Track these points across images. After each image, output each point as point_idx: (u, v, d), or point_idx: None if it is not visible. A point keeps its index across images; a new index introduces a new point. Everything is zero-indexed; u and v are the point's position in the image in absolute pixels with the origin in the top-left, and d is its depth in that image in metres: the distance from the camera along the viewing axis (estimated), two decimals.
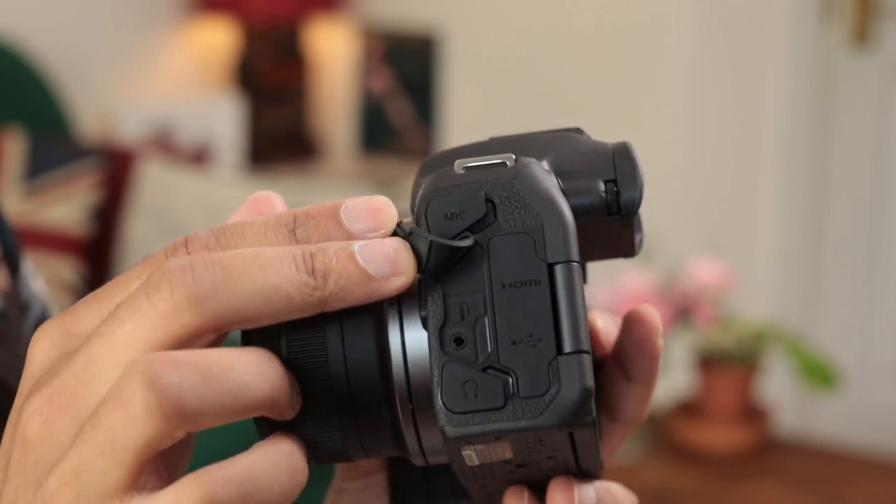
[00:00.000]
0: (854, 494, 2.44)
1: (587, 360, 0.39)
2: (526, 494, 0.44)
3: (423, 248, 0.40)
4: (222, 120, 3.02)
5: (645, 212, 0.46)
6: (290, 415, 0.40)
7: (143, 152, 2.70)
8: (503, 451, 0.41)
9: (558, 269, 0.40)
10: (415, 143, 3.25)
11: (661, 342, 0.47)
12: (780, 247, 2.86)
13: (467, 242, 0.40)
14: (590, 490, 0.44)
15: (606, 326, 0.48)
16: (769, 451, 2.55)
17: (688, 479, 2.45)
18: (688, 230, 2.80)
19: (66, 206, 2.50)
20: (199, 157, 2.97)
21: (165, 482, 0.38)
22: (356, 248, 0.39)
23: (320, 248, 0.39)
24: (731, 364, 2.51)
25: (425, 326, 0.40)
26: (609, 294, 2.38)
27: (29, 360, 0.40)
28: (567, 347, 0.39)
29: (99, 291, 0.40)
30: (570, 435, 0.40)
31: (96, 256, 2.57)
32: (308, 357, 0.41)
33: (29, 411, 0.38)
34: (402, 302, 0.41)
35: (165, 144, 2.91)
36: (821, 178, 2.87)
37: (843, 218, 2.87)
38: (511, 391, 0.39)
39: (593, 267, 0.48)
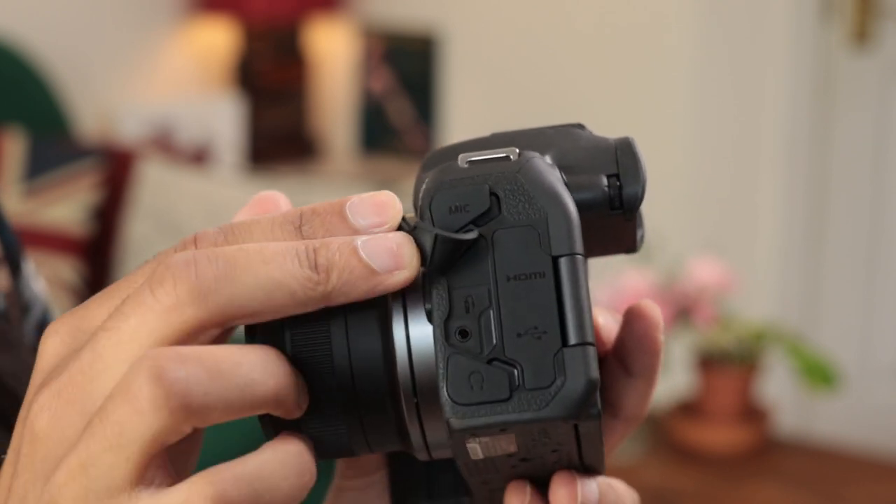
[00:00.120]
0: (854, 494, 2.44)
1: (592, 351, 0.39)
2: (528, 489, 0.44)
3: (428, 242, 0.40)
4: (222, 120, 3.02)
5: (645, 211, 0.46)
6: (296, 414, 0.40)
7: (143, 152, 2.70)
8: (508, 445, 0.41)
9: (563, 262, 0.40)
10: (415, 143, 3.25)
11: (661, 337, 0.47)
12: (780, 247, 2.86)
13: (472, 235, 0.40)
14: (592, 485, 0.44)
15: (607, 323, 0.48)
16: (769, 451, 2.55)
17: (688, 479, 2.45)
18: (688, 230, 2.80)
19: (66, 206, 2.50)
20: (199, 157, 2.97)
21: (173, 479, 0.38)
22: (359, 242, 0.40)
23: (324, 242, 0.39)
24: (731, 364, 2.51)
25: (430, 320, 0.41)
26: (609, 293, 2.38)
27: (40, 355, 0.40)
28: (572, 339, 0.39)
29: (109, 288, 0.41)
30: (575, 427, 0.41)
31: (96, 256, 2.57)
32: (312, 352, 0.41)
33: (38, 406, 0.38)
34: (406, 296, 0.41)
35: (165, 144, 2.91)
36: (821, 178, 2.87)
37: (843, 218, 2.87)
38: (516, 383, 0.39)
39: (593, 266, 0.48)
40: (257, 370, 0.38)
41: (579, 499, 0.43)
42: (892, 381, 2.88)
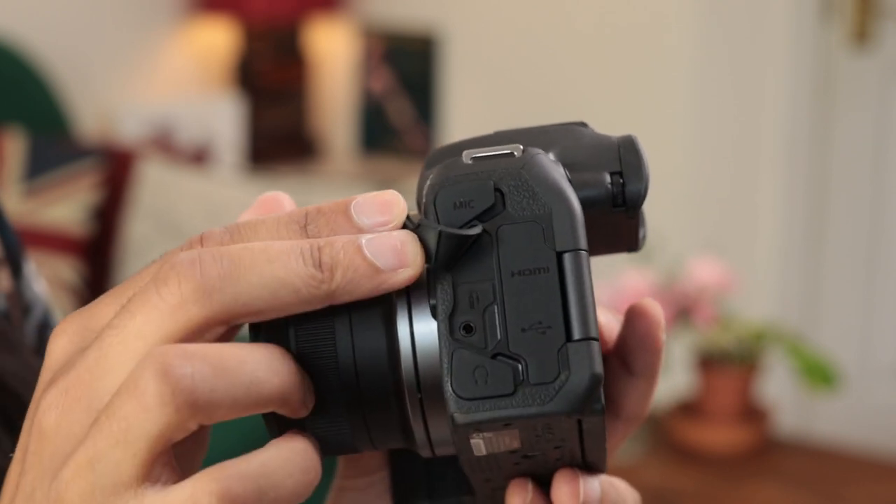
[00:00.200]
0: (854, 494, 2.44)
1: (596, 346, 0.39)
2: (530, 486, 0.44)
3: (432, 239, 0.40)
4: (222, 120, 3.02)
5: (645, 211, 0.46)
6: (302, 413, 0.40)
7: (143, 152, 2.70)
8: (511, 441, 0.41)
9: (567, 258, 0.40)
10: (415, 143, 3.25)
11: (663, 336, 0.47)
12: (780, 247, 2.86)
13: (476, 231, 0.40)
14: (594, 483, 0.44)
15: (608, 322, 0.48)
16: (769, 451, 2.55)
17: (688, 479, 2.45)
18: (688, 230, 2.80)
19: (66, 206, 2.50)
20: (199, 157, 2.97)
21: (179, 476, 0.38)
22: (363, 241, 0.40)
23: (328, 241, 0.40)
24: (731, 364, 2.51)
25: (434, 315, 0.41)
26: (609, 293, 2.38)
27: (48, 354, 0.40)
28: (576, 334, 0.39)
29: (117, 287, 0.41)
30: (579, 423, 0.41)
31: (96, 256, 2.57)
32: (317, 349, 0.41)
33: (45, 403, 0.39)
34: (410, 294, 0.41)
35: (165, 144, 2.91)
36: (821, 178, 2.87)
37: (843, 218, 2.87)
38: (521, 378, 0.39)
39: (594, 265, 0.48)
40: (263, 368, 0.38)
41: (581, 496, 0.43)
42: (892, 381, 2.88)
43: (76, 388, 0.38)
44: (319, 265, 0.39)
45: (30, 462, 0.39)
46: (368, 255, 0.40)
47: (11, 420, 0.54)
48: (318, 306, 0.40)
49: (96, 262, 2.57)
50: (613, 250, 0.47)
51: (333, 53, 3.35)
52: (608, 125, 0.51)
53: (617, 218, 0.44)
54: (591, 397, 0.39)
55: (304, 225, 0.41)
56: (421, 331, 0.41)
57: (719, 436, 2.52)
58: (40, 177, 2.49)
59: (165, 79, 3.10)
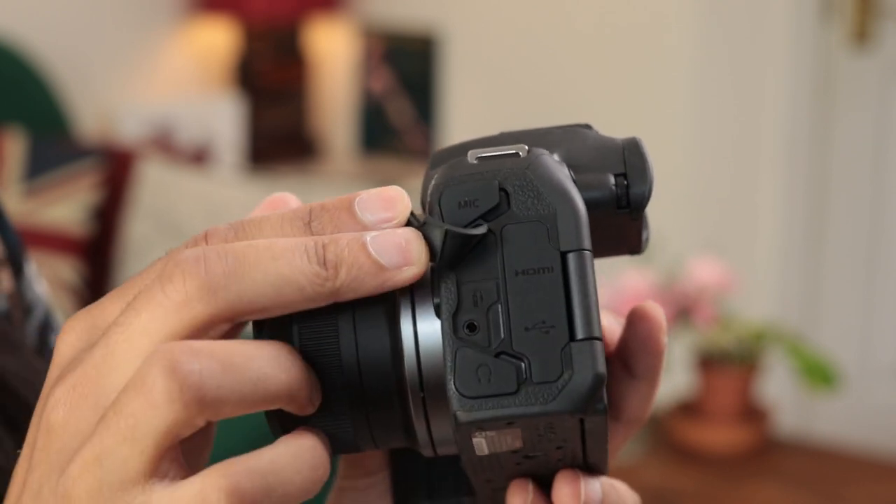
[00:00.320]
0: (854, 494, 2.44)
1: (599, 346, 0.39)
2: (531, 487, 0.44)
3: (437, 238, 0.40)
4: (222, 120, 3.02)
5: (647, 212, 0.46)
6: (309, 410, 0.41)
7: (143, 152, 2.70)
8: (513, 440, 0.41)
9: (571, 258, 0.40)
10: (415, 143, 3.25)
11: (665, 339, 0.47)
12: (780, 247, 2.86)
13: (481, 230, 0.40)
14: (595, 485, 0.44)
15: (610, 325, 0.48)
16: (769, 451, 2.55)
17: (688, 479, 2.45)
18: (688, 230, 2.80)
19: (66, 206, 2.50)
20: (199, 157, 2.97)
21: (186, 472, 0.38)
22: (368, 238, 0.40)
23: (332, 238, 0.40)
24: (731, 364, 2.51)
25: (438, 314, 0.41)
26: (609, 294, 2.38)
27: (56, 351, 0.41)
28: (579, 334, 0.39)
29: (124, 284, 0.41)
30: (581, 423, 0.41)
31: (96, 256, 2.57)
32: (320, 346, 0.41)
33: (53, 400, 0.39)
34: (414, 292, 0.41)
35: (165, 144, 2.91)
36: (821, 178, 2.87)
37: (843, 218, 2.87)
38: (524, 376, 0.39)
39: (596, 266, 0.48)
40: (270, 365, 0.39)
41: (583, 497, 0.43)
42: (892, 381, 2.88)
43: (83, 385, 0.38)
44: (324, 262, 0.39)
45: (37, 458, 0.39)
46: (373, 252, 0.40)
47: (13, 420, 0.54)
48: (322, 303, 0.40)
49: (96, 262, 2.57)
50: (617, 252, 0.47)
51: (333, 53, 3.35)
52: (608, 125, 0.51)
53: (620, 220, 0.44)
54: (594, 397, 0.39)
55: (309, 222, 0.41)
56: (424, 329, 0.41)
57: (719, 436, 2.52)
58: (40, 177, 2.49)
59: (165, 79, 3.10)
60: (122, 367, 0.38)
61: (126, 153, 2.65)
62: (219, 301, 0.38)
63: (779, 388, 2.74)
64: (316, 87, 3.32)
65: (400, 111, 3.27)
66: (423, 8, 3.18)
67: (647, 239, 0.47)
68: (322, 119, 3.38)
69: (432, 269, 0.41)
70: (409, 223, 0.41)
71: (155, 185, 2.58)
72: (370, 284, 0.40)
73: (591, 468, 0.44)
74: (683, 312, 2.47)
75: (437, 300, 0.41)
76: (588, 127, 0.46)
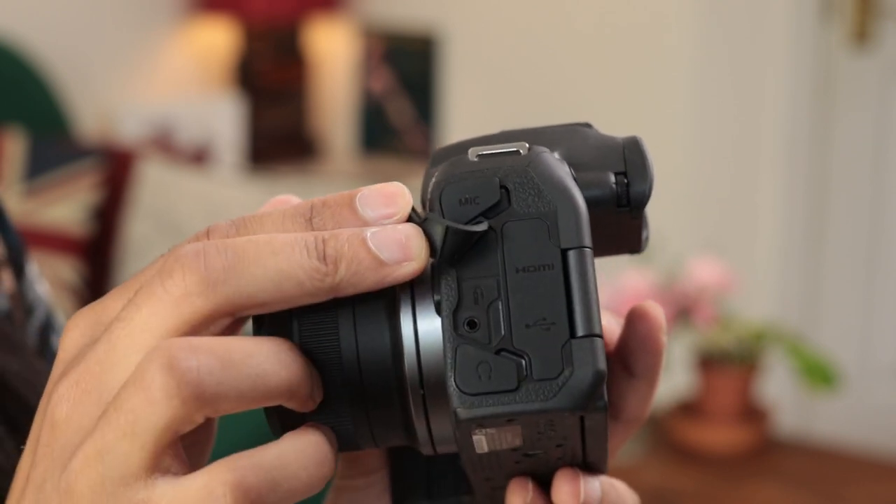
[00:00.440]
0: (854, 494, 2.44)
1: (600, 343, 0.39)
2: (530, 485, 0.44)
3: (438, 234, 0.40)
4: (222, 120, 3.02)
5: (647, 211, 0.46)
6: (309, 406, 0.41)
7: (143, 152, 2.70)
8: (513, 438, 0.41)
9: (571, 255, 0.40)
10: (415, 143, 3.25)
11: (664, 338, 0.47)
12: (780, 247, 2.86)
13: (482, 227, 0.40)
14: (595, 483, 0.44)
15: (609, 324, 0.48)
16: (769, 451, 2.55)
17: (688, 479, 2.45)
18: (688, 230, 2.80)
19: (66, 206, 2.50)
20: (199, 157, 2.97)
21: (188, 467, 0.38)
22: (368, 234, 0.40)
23: (333, 234, 0.40)
24: (731, 364, 2.51)
25: (438, 311, 0.41)
26: (609, 294, 2.38)
27: (61, 347, 0.41)
28: (580, 331, 0.39)
29: (127, 281, 0.41)
30: (581, 420, 0.41)
31: (96, 256, 2.57)
32: (320, 343, 0.41)
33: (57, 395, 0.39)
34: (414, 288, 0.41)
35: (165, 144, 2.91)
36: (821, 178, 2.87)
37: (843, 218, 2.87)
38: (524, 373, 0.39)
39: (596, 266, 0.48)
40: (269, 361, 0.39)
41: (582, 496, 0.43)
42: (892, 381, 2.88)
43: (86, 381, 0.39)
44: (324, 258, 0.39)
45: (41, 454, 0.39)
46: (373, 248, 0.40)
47: (13, 420, 0.54)
48: (322, 299, 0.40)
49: (96, 262, 2.57)
50: (617, 251, 0.47)
51: (333, 53, 3.35)
52: (608, 125, 0.51)
53: (621, 218, 0.44)
54: (595, 394, 0.39)
55: (310, 218, 0.41)
56: (424, 326, 0.41)
57: (719, 436, 2.52)
58: (40, 177, 2.49)
59: (165, 79, 3.10)
60: (124, 362, 0.38)
61: (126, 153, 2.65)
62: (218, 296, 0.38)
63: (779, 388, 2.74)
64: (316, 87, 3.32)
65: (400, 111, 3.27)
66: (423, 8, 3.18)
67: (646, 238, 0.47)
68: (322, 119, 3.38)
69: (432, 266, 0.41)
70: (410, 219, 0.41)
71: (155, 185, 2.58)
72: (370, 280, 0.40)
73: (591, 467, 0.44)
74: (683, 312, 2.47)
75: (437, 297, 0.41)
76: (588, 125, 0.46)
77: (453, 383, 0.39)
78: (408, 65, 3.23)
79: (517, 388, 0.39)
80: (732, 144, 2.85)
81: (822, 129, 2.85)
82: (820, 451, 2.60)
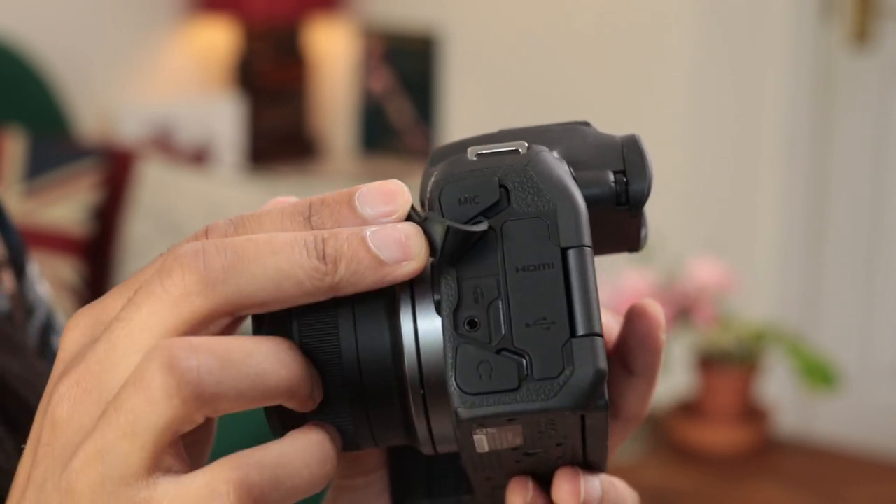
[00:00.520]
0: (854, 494, 2.44)
1: (600, 342, 0.39)
2: (531, 484, 0.44)
3: (438, 233, 0.40)
4: (222, 120, 3.02)
5: (646, 211, 0.46)
6: (310, 406, 0.41)
7: (143, 152, 2.70)
8: (514, 437, 0.41)
9: (571, 254, 0.40)
10: (415, 143, 3.25)
11: (663, 336, 0.47)
12: (780, 247, 2.86)
13: (482, 227, 0.40)
14: (595, 482, 0.44)
15: (608, 323, 0.48)
16: (769, 451, 2.55)
17: (688, 479, 2.45)
18: (688, 230, 2.80)
19: (66, 206, 2.50)
20: (199, 157, 2.97)
21: (189, 466, 0.38)
22: (368, 233, 0.40)
23: (332, 233, 0.40)
24: (731, 364, 2.51)
25: (439, 311, 0.41)
26: (609, 293, 2.38)
27: (61, 347, 0.41)
28: (580, 330, 0.39)
29: (127, 280, 0.41)
30: (582, 419, 0.41)
31: (96, 256, 2.57)
32: (320, 342, 0.41)
33: (58, 395, 0.39)
34: (414, 288, 0.41)
35: (165, 144, 2.91)
36: (821, 178, 2.87)
37: (843, 218, 2.87)
38: (525, 373, 0.39)
39: (596, 265, 0.48)
40: (269, 360, 0.39)
41: (582, 495, 0.43)
42: (892, 381, 2.88)
43: (86, 380, 0.39)
44: (323, 257, 0.39)
45: (42, 453, 0.39)
46: (372, 247, 0.40)
47: (13, 421, 0.54)
48: (322, 298, 0.40)
49: (96, 262, 2.57)
50: (615, 250, 0.47)
51: (333, 53, 3.35)
52: (608, 125, 0.51)
53: (620, 217, 0.44)
54: (595, 393, 0.39)
55: (309, 216, 0.41)
56: (424, 325, 0.41)
57: (719, 436, 2.52)
58: (40, 177, 2.49)
59: (165, 79, 3.10)
60: (124, 361, 0.38)
61: (126, 153, 2.65)
62: (217, 295, 0.38)
63: (779, 388, 2.74)
64: (316, 87, 3.32)
65: (400, 111, 3.27)
66: (423, 8, 3.18)
67: (645, 236, 0.47)
68: (322, 119, 3.38)
69: (432, 265, 0.41)
70: (409, 217, 0.41)
71: (155, 185, 2.58)
72: (370, 279, 0.40)
73: (591, 465, 0.44)
74: (683, 312, 2.47)
75: (437, 296, 0.41)
76: (587, 124, 0.46)
77: (454, 383, 0.39)
78: (408, 65, 3.23)
79: (518, 388, 0.39)
80: (732, 144, 2.85)
81: (822, 129, 2.85)
82: (820, 451, 2.60)
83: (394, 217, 0.41)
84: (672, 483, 2.44)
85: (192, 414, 0.37)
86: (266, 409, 0.41)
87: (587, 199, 0.42)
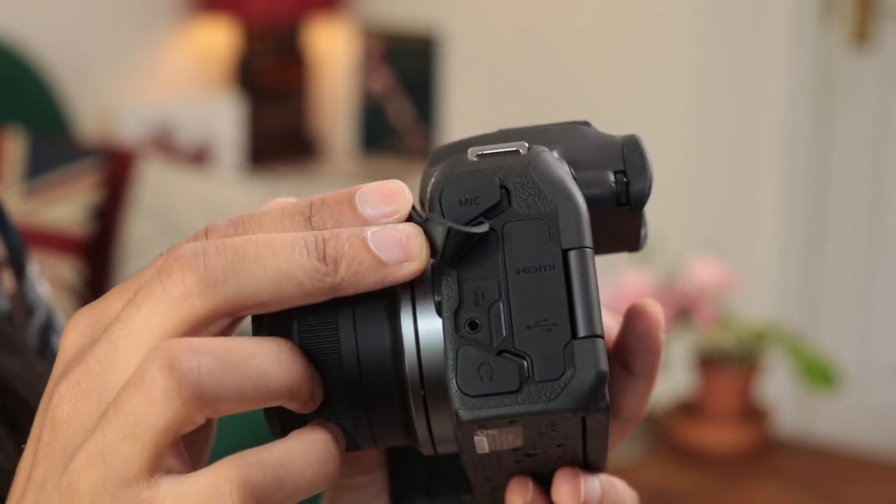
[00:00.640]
0: (854, 494, 2.44)
1: (601, 344, 0.39)
2: (530, 484, 0.44)
3: (439, 235, 0.40)
4: (222, 120, 3.02)
5: (646, 211, 0.46)
6: (310, 407, 0.41)
7: (143, 152, 2.70)
8: (514, 438, 0.41)
9: (572, 255, 0.40)
10: (415, 143, 3.25)
11: (663, 336, 0.47)
12: (780, 247, 2.86)
13: (483, 229, 0.40)
14: (595, 482, 0.44)
15: (608, 322, 0.48)
16: (769, 451, 2.55)
17: (688, 479, 2.45)
18: (688, 230, 2.80)
19: (66, 206, 2.50)
20: (199, 157, 2.97)
21: (190, 466, 0.38)
22: (369, 233, 0.40)
23: (333, 233, 0.40)
24: (731, 364, 2.51)
25: (439, 312, 0.41)
26: (609, 293, 2.38)
27: (61, 347, 0.41)
28: (581, 332, 0.39)
29: (127, 280, 0.41)
30: (583, 420, 0.41)
31: (96, 256, 2.57)
32: (320, 343, 0.41)
33: (58, 395, 0.39)
34: (415, 289, 0.41)
35: (165, 144, 2.91)
36: (821, 178, 2.87)
37: (843, 218, 2.87)
38: (526, 375, 0.39)
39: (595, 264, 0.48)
40: (270, 361, 0.39)
41: (582, 495, 0.43)
42: (892, 381, 2.88)
43: (87, 381, 0.39)
44: (324, 258, 0.39)
45: (42, 454, 0.39)
46: (373, 248, 0.40)
47: (13, 420, 0.54)
48: (322, 299, 0.40)
49: (96, 262, 2.57)
50: (615, 250, 0.47)
51: (333, 53, 3.35)
52: (608, 125, 0.51)
53: (620, 217, 0.44)
54: (597, 395, 0.39)
55: (309, 216, 0.41)
56: (425, 326, 0.41)
57: (719, 436, 2.52)
58: (40, 177, 2.49)
59: (165, 79, 3.10)
60: (124, 362, 0.38)
61: (126, 153, 2.65)
62: (218, 296, 0.38)
63: (779, 388, 2.74)
64: (316, 87, 3.32)
65: (400, 111, 3.27)
66: (423, 8, 3.18)
67: (645, 236, 0.47)
68: (322, 119, 3.38)
69: (433, 266, 0.41)
70: (410, 218, 0.41)
71: (155, 185, 2.58)
72: (370, 280, 0.40)
73: (591, 465, 0.44)
74: (683, 312, 2.47)
75: (438, 298, 0.40)
76: (587, 124, 0.46)
77: (455, 385, 0.39)
78: (408, 65, 3.23)
79: (519, 390, 0.39)
80: (732, 144, 2.85)
81: (822, 129, 2.85)
82: (820, 451, 2.60)
83: (394, 217, 0.40)
84: (672, 483, 2.44)
85: (193, 415, 0.37)
86: (266, 409, 0.41)
87: (587, 200, 0.41)
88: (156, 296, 0.38)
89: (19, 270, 0.64)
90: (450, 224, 0.40)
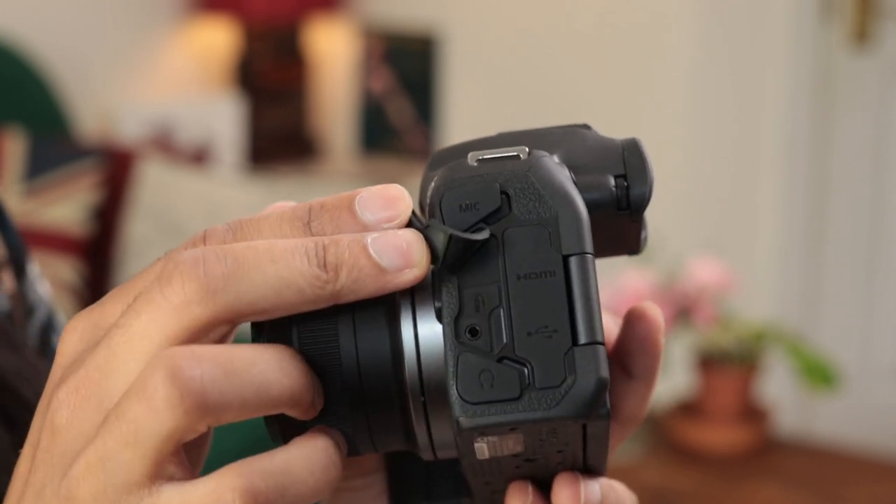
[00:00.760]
0: (854, 494, 2.44)
1: (602, 351, 0.39)
2: (530, 489, 0.44)
3: (439, 241, 0.40)
4: (222, 120, 3.02)
5: (646, 211, 0.46)
6: (311, 414, 0.40)
7: (143, 152, 2.70)
8: (515, 444, 0.41)
9: (573, 261, 0.40)
10: (415, 143, 3.25)
11: (662, 339, 0.47)
12: (780, 247, 2.86)
13: (484, 235, 0.40)
14: (595, 486, 0.44)
15: (607, 325, 0.48)
16: (769, 451, 2.55)
17: (688, 479, 2.45)
18: (688, 230, 2.80)
19: (66, 206, 2.50)
20: (199, 157, 2.97)
21: (190, 473, 0.38)
22: (369, 240, 0.39)
23: (333, 240, 0.39)
24: (731, 364, 2.51)
25: (439, 318, 0.40)
26: (609, 294, 2.38)
27: (59, 351, 0.41)
28: (582, 339, 0.39)
29: (125, 284, 0.41)
30: (584, 427, 0.40)
31: (96, 256, 2.57)
32: (320, 349, 0.41)
33: (57, 401, 0.39)
34: (415, 295, 0.41)
35: (165, 144, 2.91)
36: (821, 178, 2.87)
37: (843, 218, 2.87)
38: (527, 382, 0.39)
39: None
40: (272, 369, 0.38)
41: (582, 500, 0.43)
42: (892, 381, 2.88)
43: (86, 387, 0.38)
44: (324, 265, 0.39)
45: (40, 459, 0.39)
46: (374, 254, 0.39)
47: (12, 419, 0.54)
48: (323, 306, 0.40)
49: (96, 262, 2.57)
50: (615, 253, 0.47)
51: (333, 53, 3.35)
52: (608, 125, 0.51)
53: (620, 221, 0.44)
54: (598, 402, 0.39)
55: (308, 221, 0.40)
56: (425, 333, 0.41)
57: (719, 436, 2.52)
58: (40, 177, 2.49)
59: (165, 79, 3.10)
60: (124, 369, 0.38)
61: (126, 153, 2.65)
62: (218, 303, 0.38)
63: (779, 388, 2.74)
64: (316, 87, 3.32)
65: (400, 111, 3.27)
66: (423, 8, 3.18)
67: (645, 239, 0.46)
68: (322, 119, 3.38)
69: (433, 273, 0.41)
70: (410, 223, 0.41)
71: (155, 185, 2.58)
72: (371, 287, 0.40)
73: (590, 470, 0.44)
74: (683, 312, 2.46)
75: (438, 304, 0.40)
76: (587, 127, 0.46)
77: (455, 392, 0.39)
78: (408, 65, 3.23)
79: (520, 397, 0.39)
80: (732, 144, 2.85)
81: (822, 129, 2.84)
82: (820, 451, 2.60)
83: (394, 223, 0.40)
84: (672, 483, 2.44)
85: (195, 424, 0.37)
86: (266, 416, 0.41)
87: (588, 204, 0.41)
88: (155, 303, 0.38)
89: (20, 270, 0.64)
90: (451, 231, 0.40)
